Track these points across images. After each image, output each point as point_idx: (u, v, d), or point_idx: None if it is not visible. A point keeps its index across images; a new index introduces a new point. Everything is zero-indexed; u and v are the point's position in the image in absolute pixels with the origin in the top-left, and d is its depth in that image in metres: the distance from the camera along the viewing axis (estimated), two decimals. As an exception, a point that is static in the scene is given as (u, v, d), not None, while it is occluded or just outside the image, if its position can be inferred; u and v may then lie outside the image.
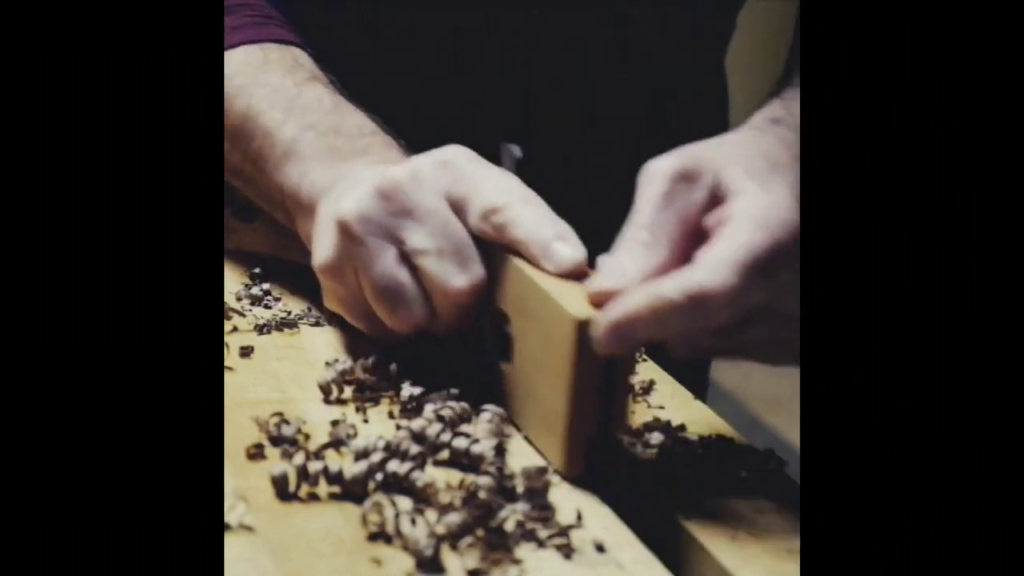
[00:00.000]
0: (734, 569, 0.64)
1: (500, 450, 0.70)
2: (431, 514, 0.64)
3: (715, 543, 0.65)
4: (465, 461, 0.70)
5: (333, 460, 0.68)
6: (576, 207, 1.17)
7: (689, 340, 0.70)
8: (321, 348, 0.83)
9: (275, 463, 0.68)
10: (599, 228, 1.18)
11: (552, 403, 0.70)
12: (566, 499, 0.67)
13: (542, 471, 0.68)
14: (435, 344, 0.79)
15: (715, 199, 0.72)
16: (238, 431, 0.71)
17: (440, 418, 0.72)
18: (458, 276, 0.75)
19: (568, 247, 0.73)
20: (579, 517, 0.65)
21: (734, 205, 0.71)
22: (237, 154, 0.90)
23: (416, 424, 0.71)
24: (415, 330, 0.77)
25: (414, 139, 0.88)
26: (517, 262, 0.74)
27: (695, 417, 0.78)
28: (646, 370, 0.83)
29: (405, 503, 0.65)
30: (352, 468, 0.67)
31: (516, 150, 0.87)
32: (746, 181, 0.72)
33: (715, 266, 0.68)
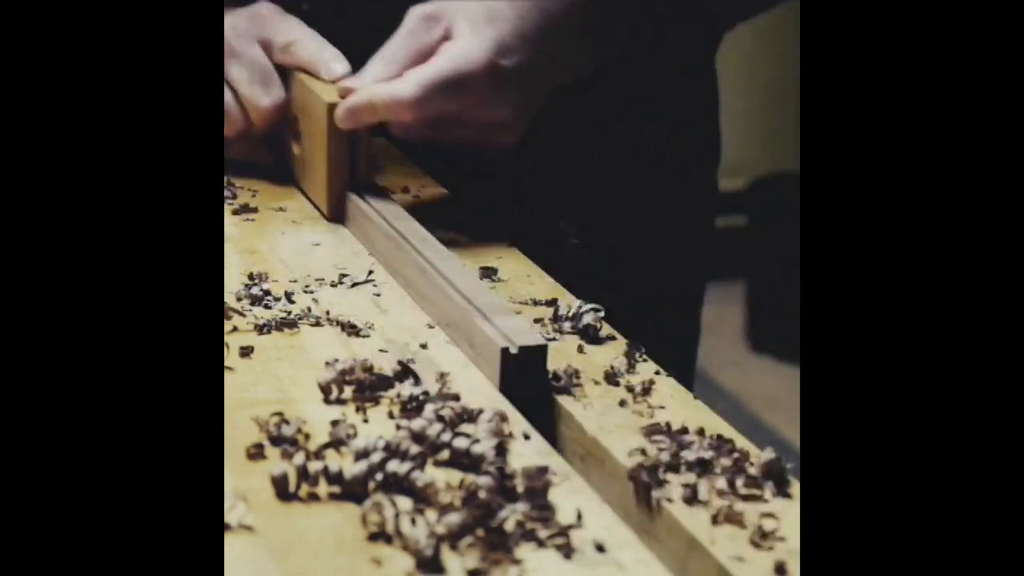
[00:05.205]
0: (734, 569, 0.64)
1: (500, 450, 0.70)
2: (431, 514, 0.64)
3: (715, 543, 0.65)
4: (465, 461, 0.70)
5: (333, 460, 0.68)
6: (566, 203, 1.18)
7: (404, 129, 0.99)
8: (321, 348, 0.83)
9: (275, 463, 0.68)
10: (590, 219, 1.19)
11: (318, 165, 1.03)
12: (566, 499, 0.67)
13: (542, 471, 0.68)
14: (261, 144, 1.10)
15: (446, 38, 0.98)
16: (238, 431, 0.71)
17: (440, 418, 0.72)
18: (264, 97, 1.05)
19: (338, 63, 1.03)
20: (579, 517, 0.65)
21: (447, 43, 0.98)
22: None
23: (416, 424, 0.71)
24: (240, 135, 1.07)
25: None
26: (299, 75, 1.05)
27: (695, 417, 0.78)
28: (646, 370, 0.83)
29: (405, 503, 0.65)
30: (352, 468, 0.67)
31: None
32: (464, 26, 0.98)
33: (408, 79, 0.97)
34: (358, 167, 1.02)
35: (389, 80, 0.98)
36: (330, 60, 1.03)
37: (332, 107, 1.00)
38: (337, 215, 1.03)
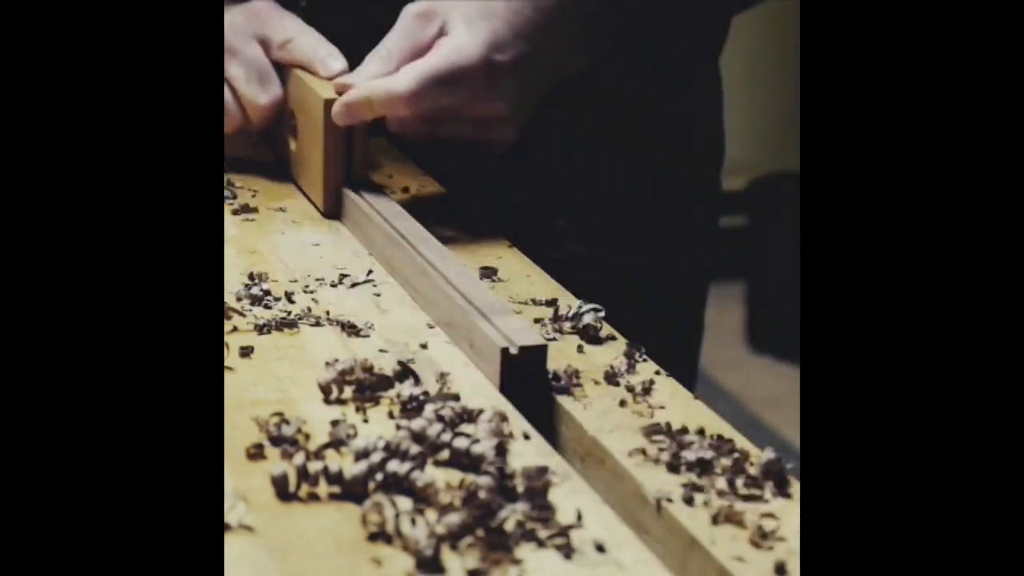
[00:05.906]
0: (734, 569, 0.64)
1: (500, 450, 0.70)
2: (431, 514, 0.64)
3: (715, 543, 0.65)
4: (465, 461, 0.70)
5: (333, 460, 0.68)
6: (572, 201, 1.18)
7: (400, 125, 1.01)
8: (321, 348, 0.83)
9: (275, 463, 0.68)
10: (590, 219, 1.19)
11: (314, 161, 1.05)
12: (566, 499, 0.67)
13: (542, 471, 0.68)
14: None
15: (442, 34, 1.00)
16: (238, 431, 0.71)
17: (440, 418, 0.72)
18: (262, 95, 1.07)
19: (335, 60, 1.04)
20: (579, 517, 0.65)
21: (442, 39, 1.00)
22: None
23: (416, 424, 0.71)
24: (238, 132, 1.09)
25: None
26: (297, 72, 1.06)
27: (695, 417, 0.78)
28: (646, 370, 0.83)
29: (405, 503, 0.65)
30: (352, 468, 0.67)
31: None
32: (458, 23, 0.99)
33: (403, 74, 0.99)
34: (354, 164, 1.04)
35: (386, 76, 1.00)
36: (327, 57, 1.05)
37: (329, 103, 1.01)
38: (333, 211, 1.05)
